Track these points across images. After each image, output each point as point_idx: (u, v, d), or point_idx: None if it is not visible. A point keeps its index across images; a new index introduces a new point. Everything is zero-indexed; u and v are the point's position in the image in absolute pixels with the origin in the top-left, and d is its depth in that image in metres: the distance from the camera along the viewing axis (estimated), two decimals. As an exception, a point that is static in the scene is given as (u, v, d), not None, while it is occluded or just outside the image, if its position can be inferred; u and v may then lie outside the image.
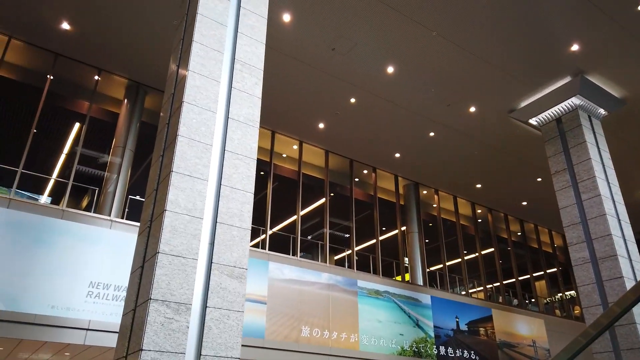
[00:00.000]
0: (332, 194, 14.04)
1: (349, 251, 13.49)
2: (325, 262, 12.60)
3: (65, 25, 9.56)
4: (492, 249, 17.21)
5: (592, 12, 9.02)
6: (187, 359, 4.17)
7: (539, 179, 15.15)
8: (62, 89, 10.93)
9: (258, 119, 5.62)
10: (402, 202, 15.53)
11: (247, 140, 5.42)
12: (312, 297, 11.60)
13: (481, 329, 14.83)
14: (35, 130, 9.87)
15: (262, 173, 12.64)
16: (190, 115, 5.09)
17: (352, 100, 11.65)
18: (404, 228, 15.28)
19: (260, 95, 5.79)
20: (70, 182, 9.89)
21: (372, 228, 14.33)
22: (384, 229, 15.01)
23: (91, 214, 9.60)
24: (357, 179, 14.76)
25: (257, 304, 10.67)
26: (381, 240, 14.22)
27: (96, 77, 10.91)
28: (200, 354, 4.23)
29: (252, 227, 5.14)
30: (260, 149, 12.58)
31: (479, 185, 16.04)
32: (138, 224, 7.82)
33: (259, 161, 12.40)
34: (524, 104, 11.54)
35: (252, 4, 6.21)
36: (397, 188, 15.41)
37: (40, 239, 8.68)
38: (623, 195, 10.39)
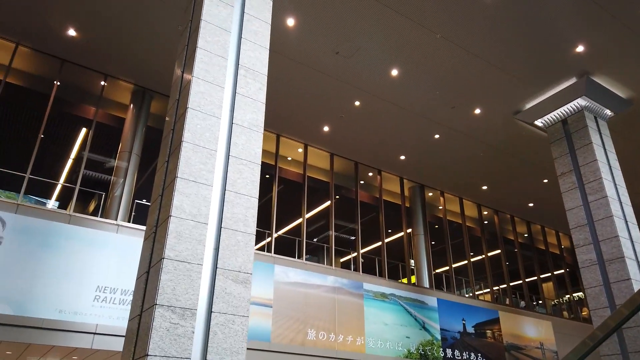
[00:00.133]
0: (337, 197, 14.05)
1: (355, 254, 13.49)
2: (331, 265, 12.61)
3: (72, 32, 9.65)
4: (499, 251, 17.13)
5: (597, 13, 8.98)
6: (192, 364, 4.19)
7: (546, 180, 15.08)
8: (69, 94, 11.04)
9: (262, 124, 5.65)
10: (407, 205, 15.51)
11: (251, 145, 5.45)
12: (318, 300, 11.61)
13: (488, 331, 14.77)
14: (42, 136, 9.97)
15: (267, 176, 12.68)
16: (194, 121, 5.12)
17: (357, 103, 11.67)
18: (409, 230, 15.25)
19: (264, 101, 5.82)
20: (77, 187, 9.97)
21: (378, 230, 14.32)
22: (389, 231, 15.00)
23: (98, 218, 9.67)
24: (362, 182, 14.76)
25: (262, 307, 10.70)
26: (387, 243, 14.21)
27: (102, 83, 11.00)
28: (206, 359, 4.25)
29: (257, 230, 5.17)
30: (265, 152, 12.65)
31: (484, 187, 15.98)
32: (144, 227, 7.89)
33: (264, 164, 12.43)
34: (529, 105, 11.50)
35: (255, 10, 6.25)
36: (403, 190, 15.39)
37: (48, 243, 8.76)
38: (630, 197, 10.32)
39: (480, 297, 16.21)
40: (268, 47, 6.21)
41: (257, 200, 5.22)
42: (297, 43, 9.84)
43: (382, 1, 8.78)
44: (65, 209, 9.95)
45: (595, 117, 10.88)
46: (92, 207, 10.96)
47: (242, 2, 6.17)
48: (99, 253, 9.18)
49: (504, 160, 14.09)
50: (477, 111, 11.92)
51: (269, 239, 11.97)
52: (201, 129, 5.13)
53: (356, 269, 13.09)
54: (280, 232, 12.73)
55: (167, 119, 5.79)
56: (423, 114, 12.07)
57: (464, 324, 14.20)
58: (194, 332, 4.28)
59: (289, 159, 13.60)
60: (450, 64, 10.32)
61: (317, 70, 10.58)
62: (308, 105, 11.88)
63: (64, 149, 11.63)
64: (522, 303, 17.04)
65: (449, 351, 13.46)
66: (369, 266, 13.59)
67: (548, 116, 11.25)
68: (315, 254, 13.66)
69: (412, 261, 14.92)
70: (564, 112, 10.95)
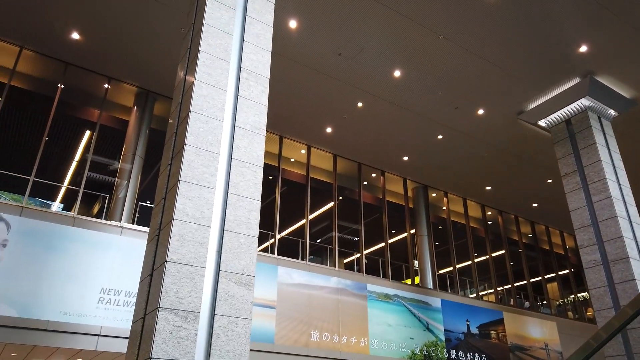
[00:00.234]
0: (340, 198, 14.06)
1: (358, 255, 13.49)
2: (335, 266, 12.61)
3: (75, 35, 9.70)
4: (503, 251, 17.09)
5: (600, 13, 8.95)
6: (195, 366, 4.21)
7: (550, 180, 15.04)
8: (73, 97, 11.09)
9: (264, 127, 5.66)
10: (411, 205, 15.50)
11: (254, 148, 5.46)
12: (322, 302, 11.62)
13: (492, 332, 14.73)
14: (47, 138, 10.03)
15: (270, 178, 12.71)
16: (197, 124, 5.14)
17: (360, 104, 11.67)
18: (413, 231, 15.23)
19: (266, 103, 5.83)
20: (81, 189, 10.02)
21: (381, 231, 14.31)
22: (393, 232, 14.99)
23: (102, 220, 9.71)
24: (365, 183, 14.76)
25: (266, 308, 10.71)
26: (390, 244, 14.20)
27: (106, 86, 11.05)
28: (209, 362, 4.27)
29: (260, 231, 5.18)
30: (268, 153, 12.67)
31: (488, 188, 15.95)
32: (148, 229, 7.90)
33: (267, 166, 12.45)
34: (532, 105, 11.47)
35: (257, 13, 6.27)
36: (406, 191, 15.38)
37: (52, 246, 8.80)
38: (634, 197, 10.28)
39: (485, 298, 16.17)
40: (270, 49, 6.23)
41: (259, 203, 5.23)
42: (300, 45, 9.85)
43: (384, 2, 8.79)
44: (70, 211, 10.00)
45: (599, 117, 10.84)
46: (96, 210, 11.02)
47: (244, 6, 6.19)
48: (103, 255, 9.22)
49: (508, 160, 14.06)
50: (480, 112, 11.90)
51: (272, 240, 11.99)
52: (204, 132, 5.15)
53: (360, 270, 13.09)
54: (283, 234, 12.75)
55: (170, 121, 5.82)
56: (426, 115, 12.07)
57: (468, 325, 14.18)
58: (197, 335, 4.29)
59: (292, 160, 13.62)
60: (453, 64, 10.31)
61: (320, 72, 10.59)
62: (311, 106, 11.90)
63: (68, 152, 11.69)
64: (527, 303, 16.99)
65: (453, 352, 13.44)
66: (373, 267, 13.58)
67: (551, 116, 11.21)
68: (319, 255, 13.67)
69: (416, 262, 14.90)
70: (568, 112, 10.92)
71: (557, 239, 19.42)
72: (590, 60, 10.09)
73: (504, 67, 10.36)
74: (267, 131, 5.75)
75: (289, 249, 12.31)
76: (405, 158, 14.18)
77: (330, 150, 13.91)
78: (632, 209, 9.95)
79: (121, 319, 8.93)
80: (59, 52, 10.24)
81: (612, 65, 10.24)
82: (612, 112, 11.01)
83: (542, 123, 11.59)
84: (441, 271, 15.33)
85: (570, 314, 18.31)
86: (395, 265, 14.28)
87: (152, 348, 4.04)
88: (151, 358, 4.01)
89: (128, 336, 4.89)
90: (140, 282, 4.96)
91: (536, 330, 15.76)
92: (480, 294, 15.93)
